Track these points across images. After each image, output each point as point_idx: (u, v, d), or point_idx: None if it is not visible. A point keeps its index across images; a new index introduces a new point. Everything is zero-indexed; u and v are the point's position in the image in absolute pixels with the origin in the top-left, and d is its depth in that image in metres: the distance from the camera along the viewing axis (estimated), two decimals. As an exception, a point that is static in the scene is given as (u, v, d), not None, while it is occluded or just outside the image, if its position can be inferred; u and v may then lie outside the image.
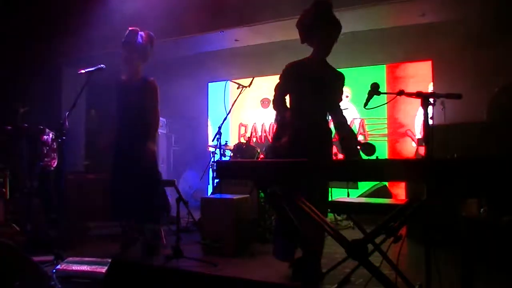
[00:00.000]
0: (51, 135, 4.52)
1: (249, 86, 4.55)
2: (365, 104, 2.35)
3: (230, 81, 4.86)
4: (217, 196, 4.07)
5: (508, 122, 3.50)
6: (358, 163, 1.97)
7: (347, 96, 6.60)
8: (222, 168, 2.15)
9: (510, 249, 2.89)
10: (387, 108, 6.18)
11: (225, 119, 4.46)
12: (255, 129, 7.27)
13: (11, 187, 3.96)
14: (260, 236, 3.97)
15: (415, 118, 6.06)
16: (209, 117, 7.76)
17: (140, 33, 3.47)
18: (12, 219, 3.79)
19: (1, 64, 5.62)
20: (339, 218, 4.96)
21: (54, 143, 4.49)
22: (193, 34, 6.11)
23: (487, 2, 4.85)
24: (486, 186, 1.60)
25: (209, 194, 5.83)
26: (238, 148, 4.94)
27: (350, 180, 4.68)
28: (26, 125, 4.49)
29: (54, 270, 2.71)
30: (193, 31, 5.99)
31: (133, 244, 3.57)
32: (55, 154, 4.58)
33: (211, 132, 7.46)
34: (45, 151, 4.41)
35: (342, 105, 2.98)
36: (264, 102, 7.32)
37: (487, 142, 3.42)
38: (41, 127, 4.52)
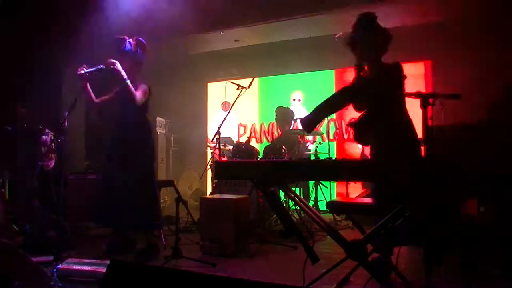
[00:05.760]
0: (50, 136, 4.52)
1: (248, 87, 4.54)
2: None
3: (230, 82, 4.84)
4: (217, 196, 4.08)
5: (507, 122, 3.50)
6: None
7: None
8: (221, 168, 2.16)
9: (510, 249, 2.89)
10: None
11: (224, 119, 4.45)
12: (254, 129, 7.27)
13: (11, 187, 3.96)
14: (259, 236, 3.97)
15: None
16: (208, 117, 7.76)
17: (128, 40, 3.48)
18: (12, 219, 3.79)
19: (1, 64, 5.62)
20: (338, 218, 4.96)
21: (52, 144, 4.48)
22: (193, 34, 6.10)
23: (487, 2, 4.86)
24: (484, 187, 1.61)
25: (208, 194, 5.83)
26: (237, 148, 4.94)
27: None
28: (26, 125, 4.49)
29: (54, 270, 2.71)
30: (193, 31, 5.98)
31: (120, 247, 3.51)
32: (53, 154, 4.57)
33: (210, 132, 7.46)
34: (43, 152, 4.40)
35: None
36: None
37: (486, 142, 3.41)
38: (41, 127, 4.52)
